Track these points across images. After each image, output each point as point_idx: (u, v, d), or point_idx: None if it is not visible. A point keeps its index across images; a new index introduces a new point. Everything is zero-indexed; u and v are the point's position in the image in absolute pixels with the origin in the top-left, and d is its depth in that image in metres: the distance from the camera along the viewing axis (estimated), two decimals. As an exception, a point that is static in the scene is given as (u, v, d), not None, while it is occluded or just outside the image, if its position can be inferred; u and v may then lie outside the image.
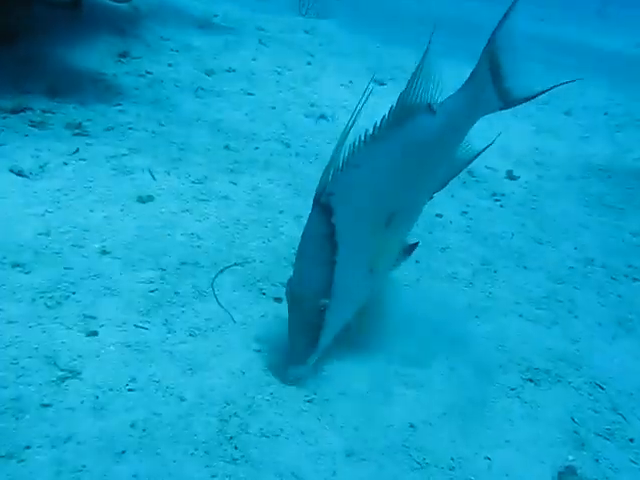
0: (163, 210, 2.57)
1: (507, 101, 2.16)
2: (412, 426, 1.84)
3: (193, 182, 2.83)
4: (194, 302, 2.12)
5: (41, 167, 2.69)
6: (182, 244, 2.39)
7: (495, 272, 2.73)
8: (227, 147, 3.27)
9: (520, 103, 2.17)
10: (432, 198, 2.30)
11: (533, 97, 2.16)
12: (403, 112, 1.96)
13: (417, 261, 2.67)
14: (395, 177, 1.98)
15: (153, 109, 3.58)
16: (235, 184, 2.91)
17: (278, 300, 2.22)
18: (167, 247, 2.35)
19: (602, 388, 2.13)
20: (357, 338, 2.09)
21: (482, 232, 3.05)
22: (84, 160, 2.81)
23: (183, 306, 2.10)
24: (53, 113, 3.21)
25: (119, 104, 3.53)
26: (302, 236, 1.89)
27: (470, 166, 3.69)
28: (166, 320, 2.03)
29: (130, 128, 3.28)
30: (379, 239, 1.98)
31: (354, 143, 1.89)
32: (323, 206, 1.84)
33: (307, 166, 3.29)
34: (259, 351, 1.99)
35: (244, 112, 3.81)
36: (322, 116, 4.00)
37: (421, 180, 2.13)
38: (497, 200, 3.43)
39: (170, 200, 2.65)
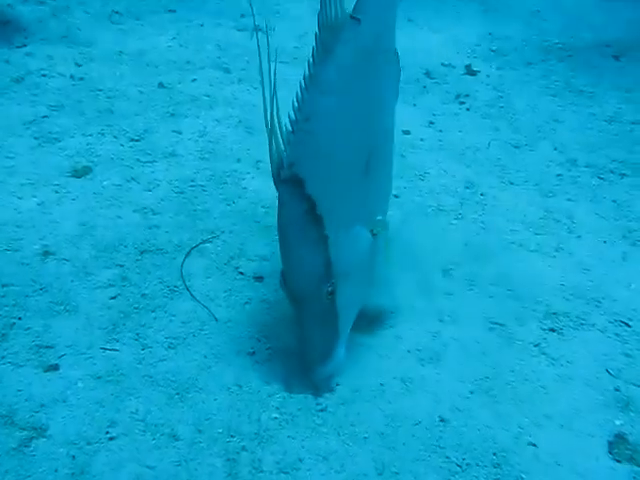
0: (105, 183, 2.16)
1: None
2: (442, 420, 1.56)
3: (133, 140, 2.39)
4: (166, 303, 1.77)
5: (-55, 145, 2.24)
6: (136, 226, 2.00)
7: (482, 195, 2.42)
8: (161, 85, 2.81)
9: None
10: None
11: None
12: (331, 36, 1.59)
13: (396, 196, 2.34)
14: (355, 113, 1.62)
15: (65, 46, 3.07)
16: (180, 133, 2.49)
17: (259, 279, 1.88)
18: (120, 234, 1.96)
19: (628, 325, 1.88)
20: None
21: (457, 146, 2.72)
22: (-4, 130, 2.35)
23: (154, 311, 1.74)
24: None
25: (23, 45, 3.01)
26: (278, 220, 1.53)
27: (426, 66, 3.35)
28: (137, 334, 1.67)
29: (44, 75, 2.79)
30: (366, 190, 1.65)
31: (296, 96, 1.53)
32: (289, 181, 1.47)
33: (253, 95, 2.86)
34: (253, 353, 1.67)
35: (170, 36, 3.30)
36: (257, 28, 3.51)
37: (380, 102, 1.78)
38: (462, 103, 3.07)
39: (111, 168, 2.23)
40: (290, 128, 1.51)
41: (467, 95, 3.12)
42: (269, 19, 3.56)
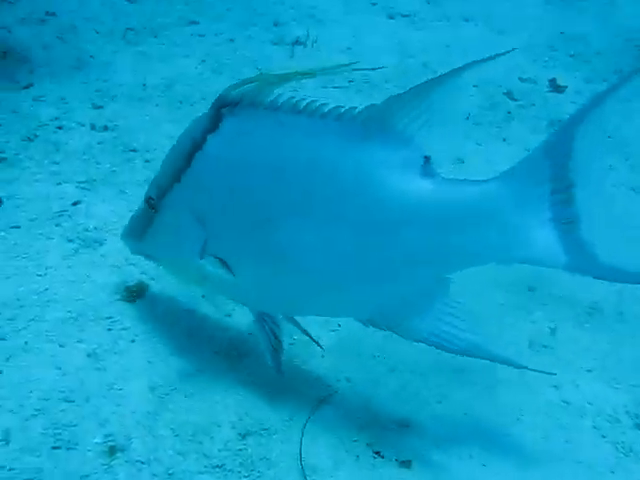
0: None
1: None
2: None
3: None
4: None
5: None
6: (225, 386, 1.42)
7: None
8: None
9: None
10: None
11: None
12: None
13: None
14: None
15: (79, 81, 2.48)
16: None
17: (406, 465, 1.32)
18: (209, 403, 1.38)
19: None
20: None
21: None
22: None
23: None
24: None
25: (30, 84, 2.41)
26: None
27: (502, 82, 2.72)
28: None
29: (59, 128, 2.20)
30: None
31: None
32: (227, 107, 1.25)
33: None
34: None
35: (199, 58, 2.70)
36: (297, 41, 2.89)
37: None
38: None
39: (171, 281, 1.64)
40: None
41: (561, 121, 2.54)
42: (307, 26, 2.95)
